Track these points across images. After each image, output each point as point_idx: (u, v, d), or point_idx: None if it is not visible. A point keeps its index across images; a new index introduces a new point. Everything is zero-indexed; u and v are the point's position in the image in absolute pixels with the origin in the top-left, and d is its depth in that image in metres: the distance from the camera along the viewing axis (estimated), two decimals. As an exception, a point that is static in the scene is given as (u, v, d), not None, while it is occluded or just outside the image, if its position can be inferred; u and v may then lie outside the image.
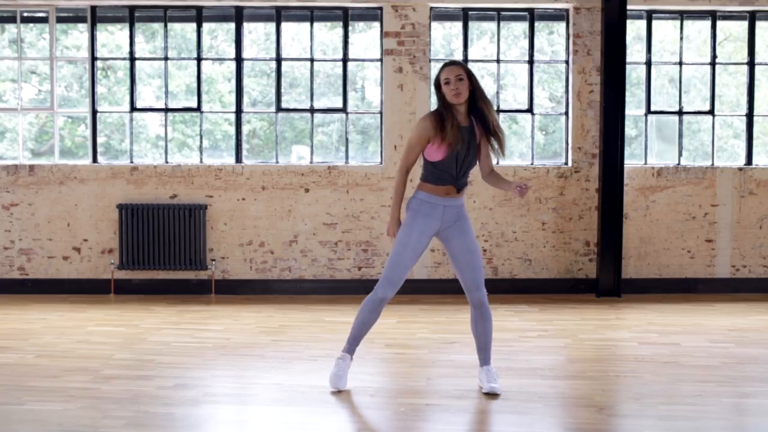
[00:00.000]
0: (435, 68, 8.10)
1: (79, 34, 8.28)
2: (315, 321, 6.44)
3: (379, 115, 7.81)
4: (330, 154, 8.09)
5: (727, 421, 4.06)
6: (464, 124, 4.32)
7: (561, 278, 7.81)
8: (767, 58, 8.11)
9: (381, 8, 7.70)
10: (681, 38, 7.93)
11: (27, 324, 6.27)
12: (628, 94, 7.79)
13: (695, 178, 7.85)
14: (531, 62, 7.87)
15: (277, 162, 7.86)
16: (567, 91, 7.88)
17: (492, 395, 4.33)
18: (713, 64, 7.95)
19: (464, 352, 5.40)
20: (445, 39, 8.29)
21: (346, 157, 7.85)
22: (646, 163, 7.96)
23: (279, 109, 7.85)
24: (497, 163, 7.30)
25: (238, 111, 7.84)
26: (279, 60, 7.83)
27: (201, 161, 7.87)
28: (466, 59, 7.83)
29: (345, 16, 7.80)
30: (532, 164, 7.85)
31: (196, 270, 7.63)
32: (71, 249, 7.69)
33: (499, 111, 7.89)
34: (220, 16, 7.98)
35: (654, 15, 7.89)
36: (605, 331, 6.15)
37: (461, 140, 4.28)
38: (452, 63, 4.33)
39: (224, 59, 8.10)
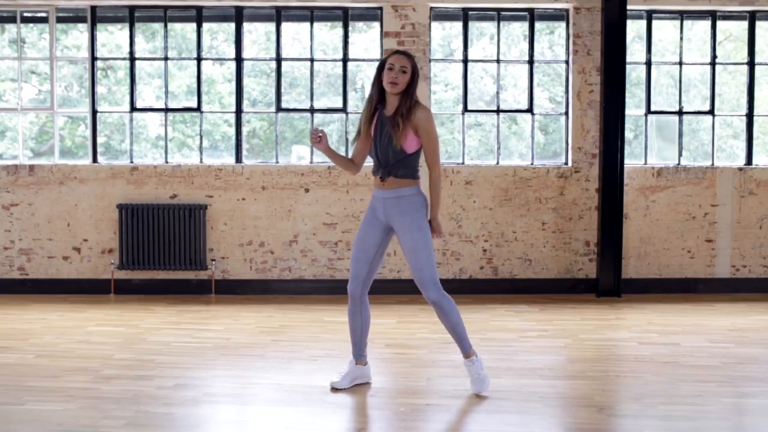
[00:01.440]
0: (435, 68, 8.11)
1: (79, 34, 8.28)
2: (315, 321, 6.45)
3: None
4: (330, 154, 8.08)
5: (727, 421, 4.06)
6: (389, 113, 4.33)
7: (561, 278, 7.81)
8: (767, 58, 8.11)
9: (381, 8, 7.70)
10: (681, 38, 7.93)
11: (27, 324, 6.27)
12: (628, 94, 7.79)
13: (695, 178, 7.85)
14: (531, 62, 7.87)
15: (277, 162, 7.86)
16: (567, 91, 7.88)
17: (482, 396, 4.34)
18: (713, 64, 7.95)
19: (464, 352, 5.40)
20: (445, 39, 8.28)
21: (346, 157, 7.85)
22: (646, 163, 7.96)
23: (279, 109, 7.85)
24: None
25: (238, 111, 7.84)
26: (279, 60, 7.83)
27: (201, 161, 7.87)
28: (466, 59, 7.83)
29: (345, 16, 7.80)
30: (532, 164, 7.85)
31: (196, 270, 7.63)
32: (71, 249, 7.69)
33: (498, 111, 7.90)
34: (220, 16, 7.98)
35: (654, 15, 7.89)
36: (605, 331, 6.15)
37: (380, 126, 4.31)
38: (403, 53, 4.34)
39: (224, 59, 8.10)
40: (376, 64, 7.79)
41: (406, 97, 4.28)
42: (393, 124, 4.26)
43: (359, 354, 4.54)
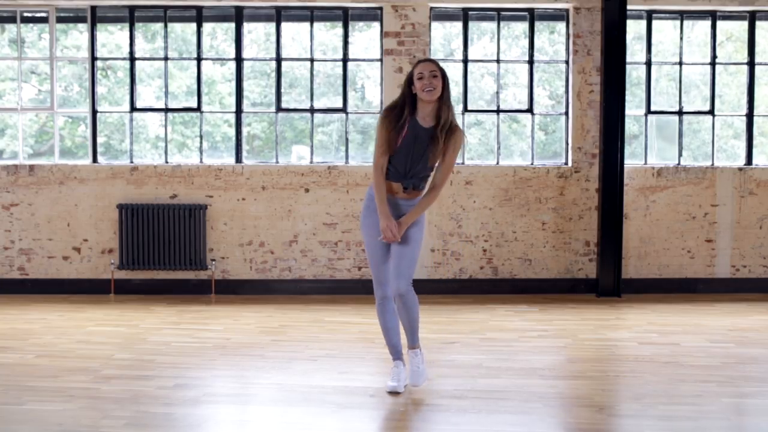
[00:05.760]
0: (435, 68, 8.09)
1: (78, 34, 8.27)
2: (315, 321, 6.45)
3: (378, 115, 7.80)
4: (330, 154, 8.09)
5: (727, 421, 4.06)
6: (425, 125, 4.29)
7: (561, 278, 7.81)
8: (767, 58, 8.11)
9: (381, 8, 7.70)
10: (681, 38, 7.93)
11: (27, 324, 6.27)
12: (628, 94, 7.79)
13: (695, 178, 7.85)
14: (531, 62, 7.87)
15: (277, 162, 7.86)
16: (567, 91, 7.88)
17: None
18: (713, 64, 7.95)
19: (464, 352, 5.40)
20: (445, 39, 8.28)
21: (346, 157, 7.85)
22: (646, 163, 7.96)
23: (279, 109, 7.85)
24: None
25: (238, 110, 7.83)
26: (279, 60, 7.83)
27: (201, 161, 7.87)
28: (466, 59, 7.83)
29: (345, 16, 7.80)
30: (532, 164, 7.85)
31: (196, 270, 7.63)
32: (71, 249, 7.69)
33: (499, 111, 7.90)
34: (220, 16, 7.98)
35: (654, 15, 7.89)
36: (605, 331, 6.15)
37: (412, 136, 4.26)
38: (427, 60, 4.33)
39: (224, 59, 8.10)
40: (377, 64, 7.85)
41: (442, 104, 4.27)
42: (433, 139, 4.25)
43: (398, 354, 4.53)
